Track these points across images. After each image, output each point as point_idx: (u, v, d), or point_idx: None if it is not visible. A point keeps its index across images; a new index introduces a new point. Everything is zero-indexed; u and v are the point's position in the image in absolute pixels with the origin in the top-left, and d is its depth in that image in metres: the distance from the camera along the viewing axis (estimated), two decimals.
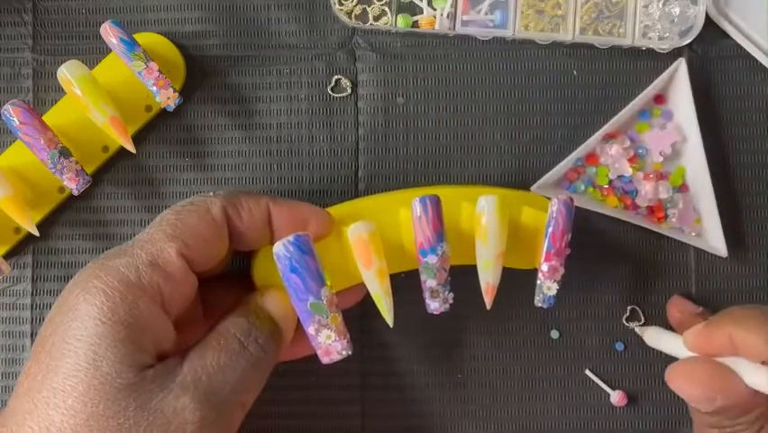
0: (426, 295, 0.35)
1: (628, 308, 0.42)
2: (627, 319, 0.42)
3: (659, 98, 0.43)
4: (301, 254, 0.32)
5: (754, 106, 0.43)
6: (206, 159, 0.43)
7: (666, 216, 0.42)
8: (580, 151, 0.41)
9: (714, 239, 0.41)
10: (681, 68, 0.41)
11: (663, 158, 0.42)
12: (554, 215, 0.35)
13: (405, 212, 0.36)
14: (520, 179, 0.42)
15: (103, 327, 0.29)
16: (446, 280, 0.35)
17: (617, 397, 0.42)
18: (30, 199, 0.41)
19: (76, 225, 0.43)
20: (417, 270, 0.35)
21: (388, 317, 0.35)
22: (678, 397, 0.42)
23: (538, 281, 0.36)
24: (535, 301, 0.37)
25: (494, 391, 0.42)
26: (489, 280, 0.36)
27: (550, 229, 0.35)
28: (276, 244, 0.32)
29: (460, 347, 0.42)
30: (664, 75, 0.41)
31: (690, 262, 0.42)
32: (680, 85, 0.41)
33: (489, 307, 0.36)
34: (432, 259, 0.34)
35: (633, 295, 0.42)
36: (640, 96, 0.41)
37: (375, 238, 0.34)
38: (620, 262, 0.43)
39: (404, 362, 0.42)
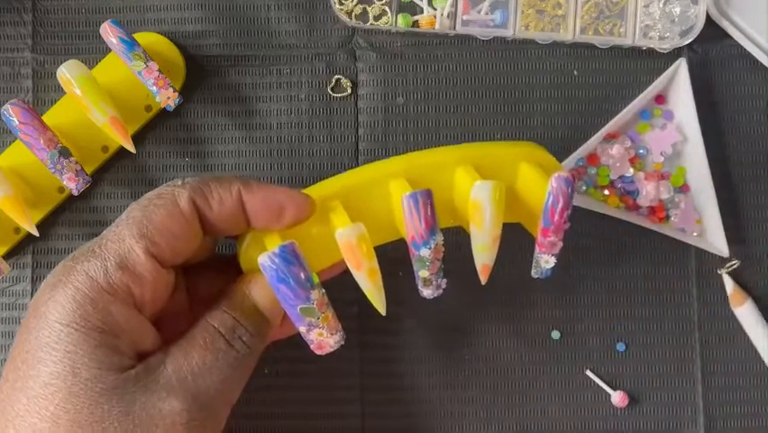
0: (419, 283, 0.35)
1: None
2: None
3: (660, 98, 0.43)
4: (287, 265, 0.31)
5: (755, 106, 0.43)
6: (206, 159, 0.43)
7: (668, 217, 0.42)
8: (581, 151, 0.41)
9: (715, 239, 0.41)
10: (681, 68, 0.41)
11: (664, 158, 0.42)
12: (554, 192, 0.33)
13: (394, 183, 0.35)
14: None
15: (77, 334, 0.28)
16: (439, 269, 0.35)
17: (617, 397, 0.42)
18: (29, 199, 0.41)
19: (76, 225, 0.43)
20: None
21: (381, 309, 0.34)
22: (679, 397, 0.42)
23: (536, 254, 0.36)
24: (532, 273, 0.36)
25: (495, 392, 0.42)
26: (484, 261, 0.35)
27: (549, 206, 0.34)
28: (261, 256, 0.31)
29: (460, 348, 0.42)
30: (665, 75, 0.41)
31: (691, 262, 0.42)
32: (680, 85, 0.41)
33: (484, 283, 0.36)
34: (425, 252, 0.34)
35: (633, 295, 0.42)
36: (640, 96, 0.41)
37: (364, 241, 0.33)
38: (621, 262, 0.42)
39: (404, 362, 0.42)
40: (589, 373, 0.42)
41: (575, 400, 0.42)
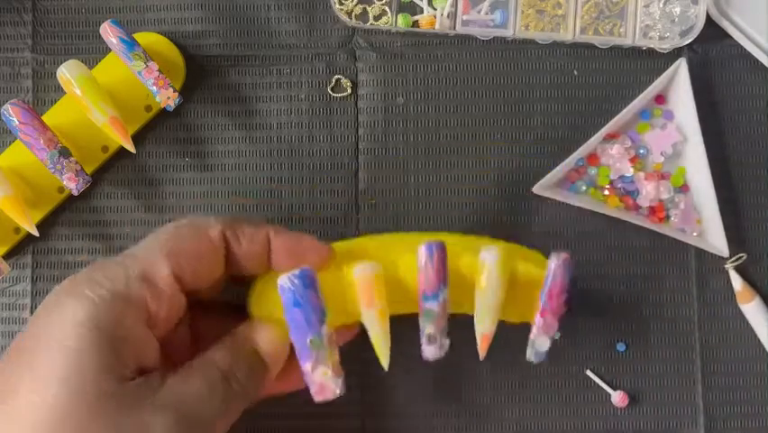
0: (423, 341, 0.35)
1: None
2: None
3: (659, 98, 0.43)
4: (305, 289, 0.32)
5: (755, 106, 0.43)
6: (206, 159, 0.43)
7: (668, 217, 0.42)
8: (581, 151, 0.41)
9: (715, 239, 0.41)
10: (681, 67, 0.41)
11: (665, 158, 0.42)
12: (553, 272, 0.35)
13: (408, 257, 0.35)
14: (520, 180, 0.42)
15: (88, 334, 0.29)
16: (444, 328, 0.35)
17: (617, 397, 0.42)
18: (29, 199, 0.41)
19: (76, 225, 0.43)
20: (415, 315, 0.36)
21: (384, 360, 0.35)
22: (679, 397, 0.42)
23: (531, 337, 0.36)
24: (527, 356, 0.36)
25: (495, 392, 0.42)
26: (485, 331, 0.36)
27: (548, 286, 0.35)
28: (281, 277, 0.32)
29: (460, 347, 0.42)
30: (665, 75, 0.41)
31: (691, 262, 0.42)
32: (680, 85, 0.41)
33: (482, 357, 0.36)
34: (433, 305, 0.34)
35: (634, 295, 0.42)
36: (640, 96, 0.41)
37: (380, 280, 0.34)
38: (621, 262, 0.42)
39: (404, 362, 0.42)
40: (589, 373, 0.42)
41: (575, 400, 0.42)
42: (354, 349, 0.42)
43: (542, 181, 0.41)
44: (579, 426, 0.42)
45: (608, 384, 0.42)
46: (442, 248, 0.34)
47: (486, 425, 0.42)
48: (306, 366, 0.33)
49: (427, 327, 0.35)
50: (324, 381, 0.33)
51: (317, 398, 0.33)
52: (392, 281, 0.36)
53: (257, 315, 0.35)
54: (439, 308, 0.34)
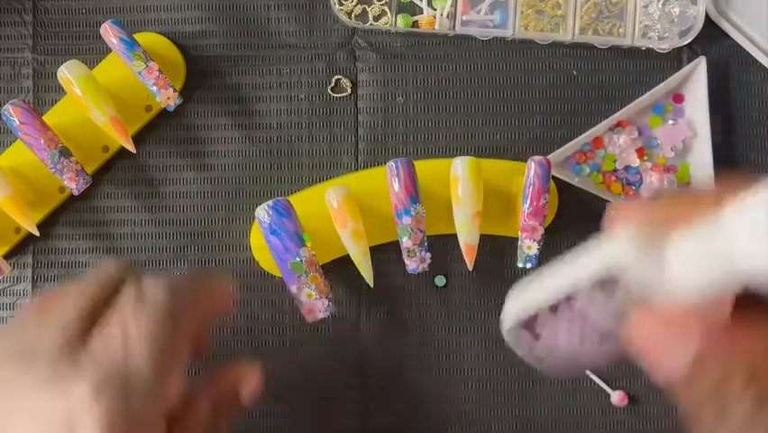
0: (404, 255, 0.37)
1: None
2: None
3: (678, 97, 0.42)
4: (280, 218, 0.35)
5: (754, 106, 0.43)
6: (206, 159, 0.43)
7: None
8: (587, 135, 0.41)
9: None
10: (700, 66, 0.41)
11: (675, 153, 0.42)
12: (531, 176, 0.37)
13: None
14: None
15: None
16: (422, 241, 0.37)
17: (617, 397, 0.42)
18: (30, 199, 0.41)
19: (76, 225, 0.43)
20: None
21: (368, 278, 0.37)
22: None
23: (519, 243, 0.38)
24: (518, 263, 0.38)
25: (494, 391, 0.42)
26: (467, 241, 0.37)
27: (527, 190, 0.37)
28: (258, 209, 0.35)
29: (460, 348, 0.42)
30: (682, 71, 0.41)
31: None
32: (697, 83, 0.41)
33: (470, 267, 0.38)
34: (406, 220, 0.36)
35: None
36: (655, 88, 0.41)
37: (349, 201, 0.36)
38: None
39: (404, 362, 0.42)
40: (589, 372, 0.42)
41: (575, 400, 0.42)
42: (354, 347, 0.43)
43: (556, 152, 0.41)
44: (579, 426, 0.42)
45: (607, 384, 0.42)
46: (407, 164, 0.36)
47: (486, 424, 0.42)
48: (293, 289, 0.35)
49: (405, 241, 0.37)
50: (311, 302, 0.35)
51: (308, 318, 0.36)
52: (373, 210, 0.38)
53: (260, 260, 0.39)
54: (413, 223, 0.36)
